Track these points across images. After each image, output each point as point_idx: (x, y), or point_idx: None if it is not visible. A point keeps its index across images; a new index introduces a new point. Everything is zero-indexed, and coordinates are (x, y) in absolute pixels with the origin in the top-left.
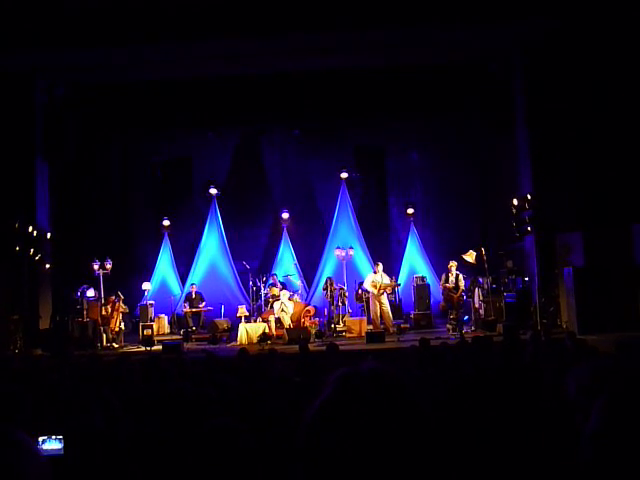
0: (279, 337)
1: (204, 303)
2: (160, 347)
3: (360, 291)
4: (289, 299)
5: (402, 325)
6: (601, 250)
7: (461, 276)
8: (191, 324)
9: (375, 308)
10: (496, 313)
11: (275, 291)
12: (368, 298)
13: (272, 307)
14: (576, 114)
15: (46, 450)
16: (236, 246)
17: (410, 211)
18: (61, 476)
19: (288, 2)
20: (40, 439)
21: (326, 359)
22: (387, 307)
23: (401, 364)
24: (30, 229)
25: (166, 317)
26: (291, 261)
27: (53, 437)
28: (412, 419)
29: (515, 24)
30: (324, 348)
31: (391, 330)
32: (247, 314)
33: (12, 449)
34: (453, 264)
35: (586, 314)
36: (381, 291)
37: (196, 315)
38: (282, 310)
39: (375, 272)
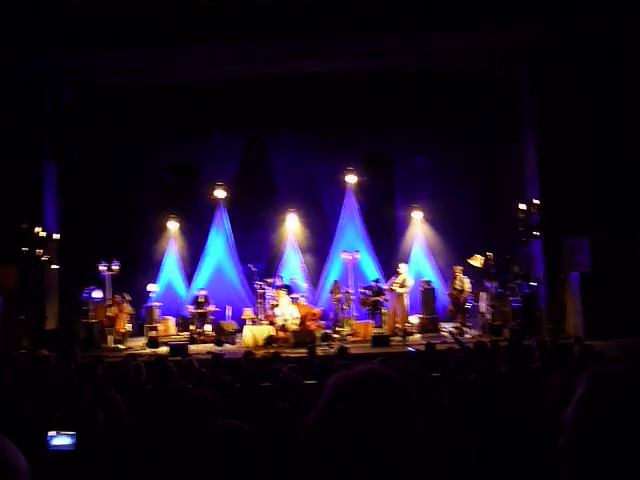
0: (285, 340)
1: (212, 307)
2: (166, 349)
3: (363, 296)
4: (293, 302)
5: (408, 329)
6: (608, 255)
7: (466, 279)
8: (197, 326)
9: (393, 310)
10: (502, 318)
11: (281, 294)
12: (376, 301)
13: (274, 311)
14: (583, 118)
15: (56, 445)
16: (242, 248)
17: (417, 215)
18: (70, 472)
19: (295, 6)
20: (50, 434)
21: (334, 362)
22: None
23: (406, 367)
24: (37, 230)
25: (172, 319)
26: (297, 264)
27: (63, 432)
28: (408, 417)
29: (522, 29)
30: (332, 351)
31: (399, 331)
32: (253, 316)
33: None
34: (458, 269)
35: (593, 319)
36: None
37: (202, 317)
38: (283, 314)
39: (399, 273)
